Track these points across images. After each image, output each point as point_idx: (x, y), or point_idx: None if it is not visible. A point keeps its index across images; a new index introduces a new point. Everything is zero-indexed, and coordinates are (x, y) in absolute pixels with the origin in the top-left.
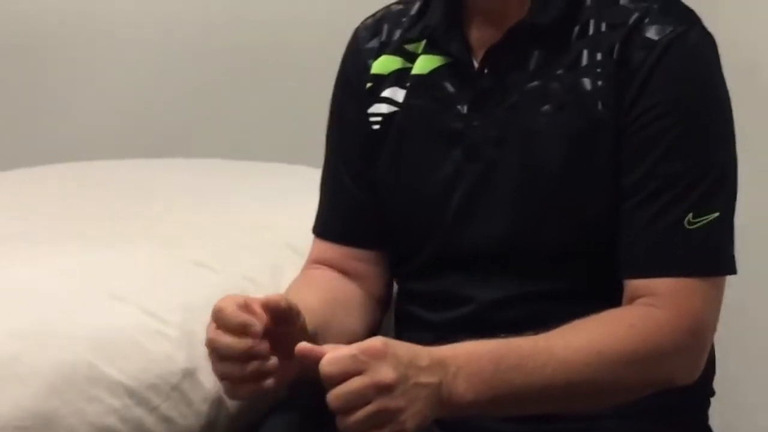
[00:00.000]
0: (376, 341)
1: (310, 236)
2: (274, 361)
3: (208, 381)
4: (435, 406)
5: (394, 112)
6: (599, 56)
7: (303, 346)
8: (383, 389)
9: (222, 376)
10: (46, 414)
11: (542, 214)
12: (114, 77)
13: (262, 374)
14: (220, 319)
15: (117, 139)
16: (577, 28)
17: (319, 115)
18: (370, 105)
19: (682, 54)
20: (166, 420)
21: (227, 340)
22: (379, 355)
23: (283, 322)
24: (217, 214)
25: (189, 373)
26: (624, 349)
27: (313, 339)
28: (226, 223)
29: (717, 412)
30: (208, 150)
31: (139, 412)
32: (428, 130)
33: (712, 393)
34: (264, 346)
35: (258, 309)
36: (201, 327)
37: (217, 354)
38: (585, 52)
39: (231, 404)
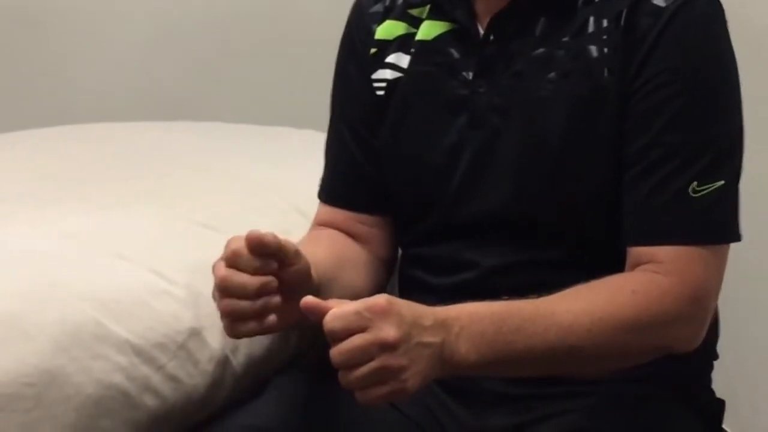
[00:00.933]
0: (381, 299)
1: (317, 200)
2: (278, 299)
3: (215, 341)
4: (437, 366)
5: (398, 78)
6: (605, 23)
7: (308, 299)
8: (386, 347)
9: (229, 313)
10: (52, 371)
11: (545, 181)
12: (121, 41)
13: (267, 311)
14: (236, 263)
15: (123, 102)
16: None
17: (327, 80)
18: (374, 70)
19: (689, 21)
20: (173, 378)
21: (243, 277)
22: (383, 313)
23: (279, 261)
24: (224, 177)
25: (195, 333)
26: (626, 316)
27: (317, 291)
28: (233, 185)
29: (720, 376)
30: (214, 114)
31: (145, 370)
32: (433, 97)
33: (716, 356)
34: (275, 282)
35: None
36: (207, 288)
37: (228, 291)
38: (591, 19)
39: (237, 364)
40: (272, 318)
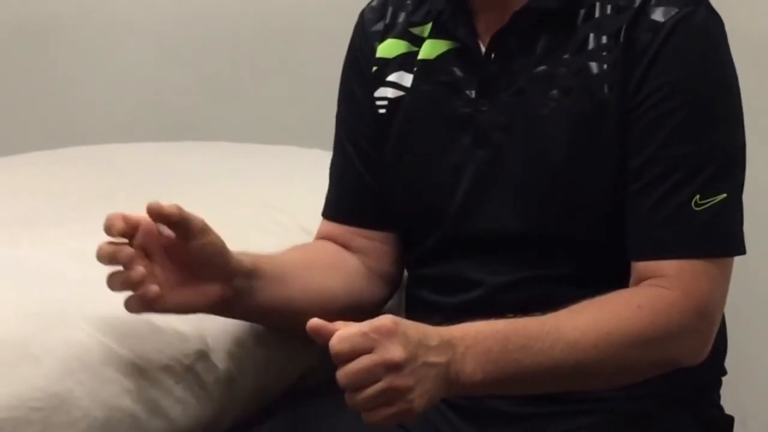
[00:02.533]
0: (386, 320)
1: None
2: (139, 270)
3: (222, 363)
4: (443, 386)
5: (401, 97)
6: (605, 39)
7: (314, 322)
8: (392, 367)
9: (108, 284)
10: (60, 394)
11: (549, 198)
12: (126, 60)
13: (135, 282)
14: (107, 229)
15: (130, 123)
16: (582, 12)
17: (332, 99)
18: (375, 88)
19: (688, 35)
20: (180, 401)
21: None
22: (389, 334)
23: (181, 232)
24: (229, 196)
25: (203, 355)
26: (632, 331)
27: (250, 274)
28: (238, 204)
29: (729, 391)
30: (220, 134)
31: (153, 393)
32: (436, 116)
33: (724, 372)
34: (125, 251)
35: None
36: None
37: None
38: (591, 36)
39: (244, 386)
40: (150, 288)
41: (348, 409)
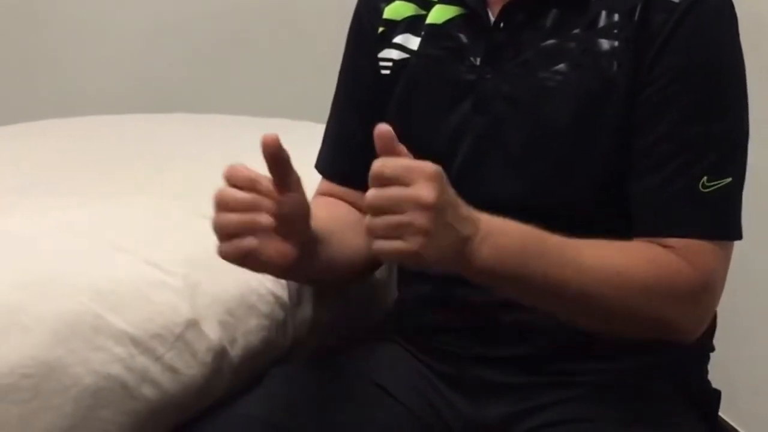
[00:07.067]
0: (432, 165)
1: (313, 188)
2: (266, 218)
3: (213, 332)
4: (454, 255)
5: (405, 59)
6: (617, 17)
7: (384, 128)
8: (420, 206)
9: (218, 228)
10: (51, 362)
11: (549, 171)
12: (118, 34)
13: (254, 227)
14: (232, 177)
15: (120, 95)
16: None
17: (324, 72)
18: (380, 50)
19: (701, 18)
20: (171, 369)
21: (236, 192)
22: (429, 177)
23: (282, 181)
24: (220, 167)
25: (193, 324)
26: (642, 278)
27: (316, 241)
28: None
29: (719, 366)
30: (211, 107)
31: (143, 361)
32: (439, 80)
33: (712, 348)
34: (266, 202)
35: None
36: (205, 278)
37: (221, 205)
38: (603, 13)
39: (235, 355)
40: (250, 240)
41: (337, 378)
